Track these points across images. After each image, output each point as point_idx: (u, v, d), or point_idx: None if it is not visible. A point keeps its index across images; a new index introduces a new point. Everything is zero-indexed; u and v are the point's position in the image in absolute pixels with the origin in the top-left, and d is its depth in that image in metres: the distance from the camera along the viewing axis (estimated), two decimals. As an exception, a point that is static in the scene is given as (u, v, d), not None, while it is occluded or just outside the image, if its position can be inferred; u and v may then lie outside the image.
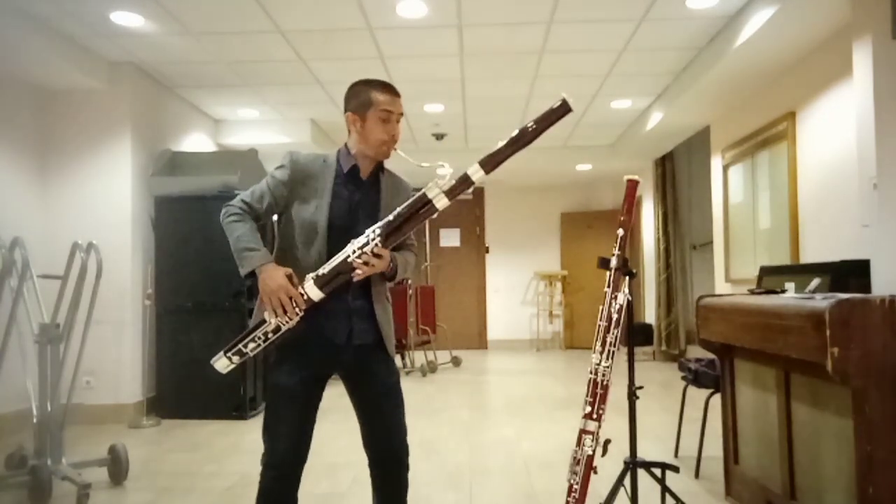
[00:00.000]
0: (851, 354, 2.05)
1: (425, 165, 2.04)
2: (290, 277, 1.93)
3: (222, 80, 5.59)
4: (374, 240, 1.92)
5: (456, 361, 8.25)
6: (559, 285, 10.07)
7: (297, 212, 2.04)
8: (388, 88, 2.07)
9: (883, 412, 2.07)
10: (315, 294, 1.92)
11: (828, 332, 2.05)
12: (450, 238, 10.32)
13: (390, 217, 1.94)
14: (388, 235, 1.93)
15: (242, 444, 4.34)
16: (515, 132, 1.89)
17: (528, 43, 4.88)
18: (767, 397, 2.73)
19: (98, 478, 3.44)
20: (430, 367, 7.67)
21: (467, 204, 10.29)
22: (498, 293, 10.28)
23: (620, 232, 2.40)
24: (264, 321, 1.94)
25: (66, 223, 5.00)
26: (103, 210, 5.08)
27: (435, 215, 1.95)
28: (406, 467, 2.14)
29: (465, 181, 1.91)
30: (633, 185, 2.44)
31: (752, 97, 5.35)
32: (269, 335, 1.93)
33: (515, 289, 10.26)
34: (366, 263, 1.91)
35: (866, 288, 2.90)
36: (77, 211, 5.06)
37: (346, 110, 2.09)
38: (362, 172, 2.11)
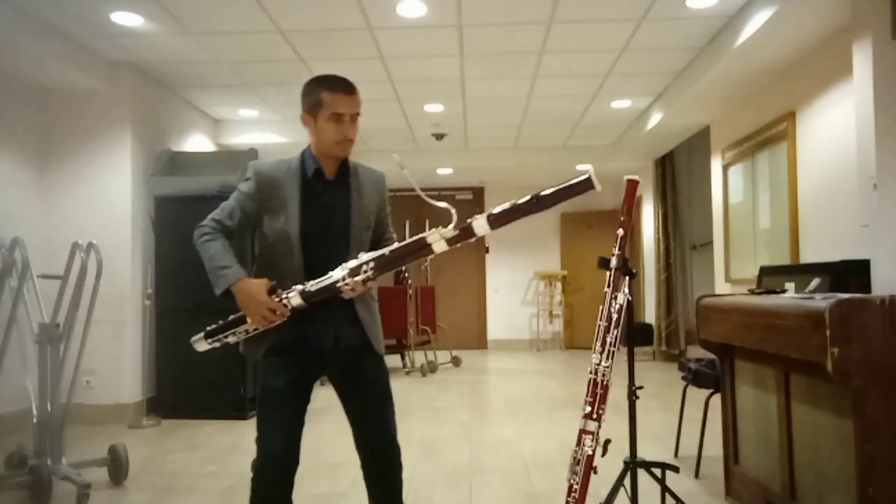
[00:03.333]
0: (851, 354, 2.05)
1: (440, 205, 1.91)
2: (271, 288, 1.91)
3: (222, 80, 5.59)
4: (366, 272, 1.87)
5: (456, 361, 8.25)
6: (559, 285, 10.07)
7: (270, 224, 2.02)
8: (339, 87, 2.00)
9: (883, 412, 2.07)
10: (298, 304, 1.91)
11: (828, 332, 2.05)
12: (450, 238, 10.31)
13: (386, 251, 1.90)
14: (381, 268, 1.89)
15: (242, 444, 4.33)
16: (531, 198, 1.82)
17: (528, 43, 4.88)
18: (767, 397, 2.73)
19: (98, 478, 3.44)
20: (430, 367, 7.67)
21: (467, 204, 10.28)
22: (498, 293, 10.28)
23: (620, 232, 2.40)
24: (245, 320, 1.95)
25: (66, 223, 5.00)
26: (103, 210, 5.08)
27: (431, 255, 1.92)
28: (399, 467, 2.13)
29: (468, 233, 1.85)
30: (633, 185, 2.45)
31: (752, 97, 5.35)
32: (250, 331, 1.97)
33: (515, 289, 10.26)
34: (353, 290, 1.89)
35: (866, 288, 2.90)
36: (77, 211, 5.06)
37: (302, 109, 2.06)
38: (328, 173, 2.07)
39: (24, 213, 4.88)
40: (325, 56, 5.09)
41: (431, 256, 1.94)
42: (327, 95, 1.99)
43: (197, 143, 6.35)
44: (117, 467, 3.46)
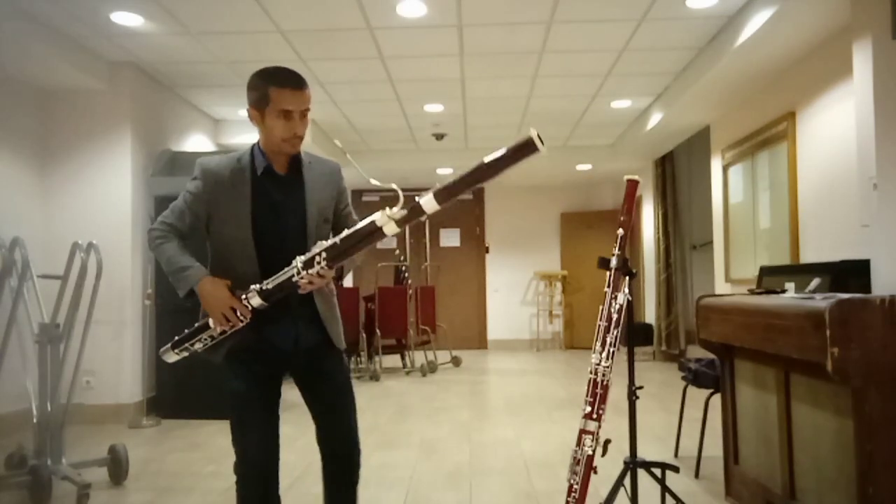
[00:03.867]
0: (851, 354, 2.05)
1: (375, 182, 1.91)
2: (230, 289, 1.88)
3: (222, 80, 5.59)
4: (319, 263, 1.81)
5: (456, 361, 8.25)
6: (559, 285, 10.07)
7: (221, 226, 1.97)
8: (287, 82, 1.92)
9: (883, 412, 2.07)
10: (259, 304, 1.88)
11: (828, 332, 2.05)
12: (450, 238, 10.33)
13: (337, 240, 1.83)
14: (334, 258, 1.83)
15: (242, 444, 4.33)
16: (474, 168, 1.73)
17: (528, 43, 4.88)
18: (767, 397, 2.73)
19: (98, 478, 3.44)
20: (430, 367, 7.67)
21: (467, 204, 10.30)
22: (498, 293, 10.28)
23: (620, 232, 2.40)
24: (208, 325, 1.92)
25: (66, 223, 5.00)
26: (103, 210, 5.07)
27: (384, 238, 1.84)
28: (357, 465, 2.12)
29: (416, 211, 1.77)
30: (633, 185, 2.44)
31: (752, 97, 5.35)
32: (215, 336, 1.93)
33: (515, 289, 10.26)
34: (310, 283, 1.83)
35: (866, 288, 2.90)
36: (77, 211, 5.06)
37: (248, 103, 1.99)
38: (278, 168, 2.00)
39: (24, 213, 4.88)
40: (325, 56, 5.09)
41: (384, 238, 1.83)
42: (274, 91, 1.91)
43: (197, 143, 6.35)
44: (117, 467, 3.46)
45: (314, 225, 2.01)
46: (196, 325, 1.97)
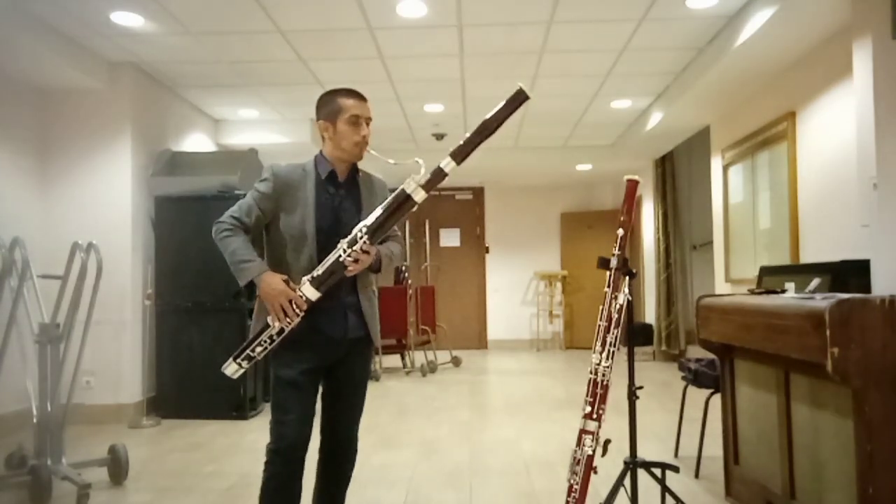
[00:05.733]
0: (851, 354, 2.05)
1: (393, 162, 2.21)
2: (286, 283, 2.06)
3: (222, 80, 5.59)
4: (361, 238, 2.05)
5: (456, 361, 8.25)
6: (559, 285, 10.07)
7: (285, 221, 2.18)
8: (354, 94, 2.22)
9: (883, 412, 2.07)
10: (312, 294, 2.05)
11: (828, 332, 2.05)
12: (450, 238, 10.32)
13: (374, 215, 2.08)
14: (373, 232, 2.06)
15: (242, 444, 4.33)
16: (478, 127, 2.05)
17: (528, 43, 4.88)
18: (767, 397, 2.73)
19: (98, 478, 3.44)
20: (430, 367, 7.67)
21: (467, 204, 10.30)
22: (498, 293, 10.27)
23: (620, 232, 2.41)
24: (268, 325, 2.07)
25: (66, 223, 4.99)
26: (103, 210, 5.07)
27: (415, 208, 2.10)
28: (352, 461, 2.33)
29: (439, 174, 2.06)
30: (633, 185, 2.45)
31: (752, 97, 5.35)
32: (275, 337, 2.06)
33: (515, 289, 10.26)
34: (356, 261, 2.05)
35: (866, 288, 2.90)
36: (77, 211, 5.06)
37: (317, 119, 2.24)
38: (339, 175, 2.25)
39: (24, 213, 4.88)
40: (325, 56, 5.09)
41: (415, 208, 2.09)
42: (345, 101, 2.19)
43: (197, 143, 6.35)
44: (117, 467, 3.47)
45: None
46: (252, 334, 2.11)
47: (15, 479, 3.26)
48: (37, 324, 3.37)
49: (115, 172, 5.11)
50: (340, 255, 2.04)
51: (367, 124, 2.22)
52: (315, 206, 2.17)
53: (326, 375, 2.25)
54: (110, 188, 5.10)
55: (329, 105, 2.20)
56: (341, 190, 2.24)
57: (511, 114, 2.05)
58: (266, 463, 2.14)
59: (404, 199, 2.06)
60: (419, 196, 2.05)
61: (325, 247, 2.12)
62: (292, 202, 2.17)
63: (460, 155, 2.04)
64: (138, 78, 5.26)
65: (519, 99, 2.03)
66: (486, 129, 2.04)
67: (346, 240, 2.06)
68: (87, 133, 5.12)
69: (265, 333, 2.06)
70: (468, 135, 2.05)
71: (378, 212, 2.08)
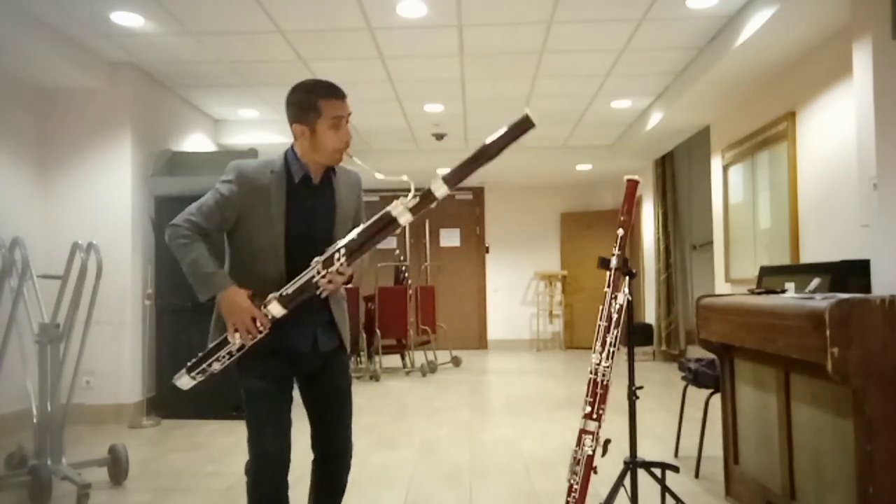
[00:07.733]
0: (851, 354, 2.05)
1: (381, 177, 1.98)
2: (251, 297, 1.89)
3: (222, 80, 5.59)
4: (339, 259, 1.86)
5: (456, 361, 8.24)
6: (559, 285, 10.07)
7: (251, 230, 1.97)
8: (332, 91, 1.97)
9: (883, 412, 2.07)
10: (279, 312, 1.89)
11: (828, 332, 2.05)
12: (450, 238, 10.32)
13: (353, 235, 1.89)
14: (352, 253, 1.88)
15: (242, 444, 4.28)
16: (477, 150, 1.87)
17: (528, 43, 4.88)
18: (767, 397, 2.73)
19: (98, 478, 3.44)
20: (430, 367, 7.67)
21: (467, 204, 10.30)
22: (498, 293, 10.28)
23: (620, 232, 2.40)
24: (227, 341, 1.92)
25: (66, 223, 4.99)
26: (103, 210, 5.07)
27: (398, 230, 1.93)
28: (347, 469, 2.16)
29: (428, 197, 1.86)
30: (633, 185, 2.44)
31: (752, 97, 5.35)
32: (234, 353, 1.93)
33: (515, 289, 10.26)
34: (330, 282, 1.88)
35: (866, 288, 2.90)
36: (77, 211, 5.06)
37: (290, 120, 1.99)
38: (314, 178, 2.04)
39: (24, 213, 4.88)
40: (325, 56, 5.09)
41: (398, 230, 1.92)
42: (324, 102, 1.95)
43: (197, 143, 6.35)
44: (117, 467, 3.47)
45: (340, 234, 2.04)
46: (210, 345, 1.96)
47: (15, 479, 3.25)
48: (37, 324, 3.37)
49: (115, 172, 5.11)
50: (314, 277, 1.86)
51: (348, 122, 1.99)
52: (285, 214, 1.97)
53: (306, 390, 2.13)
54: (110, 188, 5.10)
55: (305, 106, 1.95)
56: (315, 193, 2.03)
57: (513, 141, 1.88)
58: (251, 483, 2.02)
59: (389, 222, 1.87)
60: (404, 219, 1.86)
61: (295, 258, 1.93)
62: (259, 209, 1.95)
63: (453, 180, 1.85)
64: (138, 78, 5.26)
65: (523, 126, 1.86)
66: (485, 155, 1.87)
67: (322, 259, 1.87)
68: (87, 133, 5.12)
69: (224, 349, 1.91)
70: (464, 158, 1.87)
71: (359, 230, 1.89)
